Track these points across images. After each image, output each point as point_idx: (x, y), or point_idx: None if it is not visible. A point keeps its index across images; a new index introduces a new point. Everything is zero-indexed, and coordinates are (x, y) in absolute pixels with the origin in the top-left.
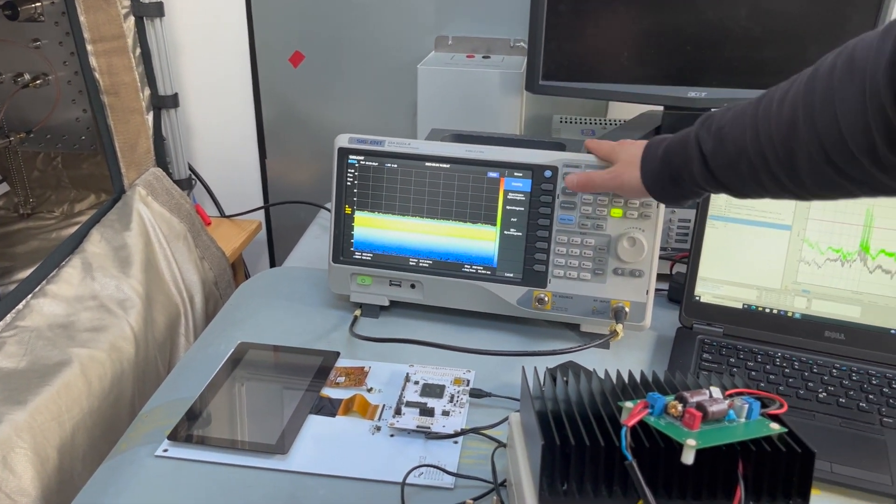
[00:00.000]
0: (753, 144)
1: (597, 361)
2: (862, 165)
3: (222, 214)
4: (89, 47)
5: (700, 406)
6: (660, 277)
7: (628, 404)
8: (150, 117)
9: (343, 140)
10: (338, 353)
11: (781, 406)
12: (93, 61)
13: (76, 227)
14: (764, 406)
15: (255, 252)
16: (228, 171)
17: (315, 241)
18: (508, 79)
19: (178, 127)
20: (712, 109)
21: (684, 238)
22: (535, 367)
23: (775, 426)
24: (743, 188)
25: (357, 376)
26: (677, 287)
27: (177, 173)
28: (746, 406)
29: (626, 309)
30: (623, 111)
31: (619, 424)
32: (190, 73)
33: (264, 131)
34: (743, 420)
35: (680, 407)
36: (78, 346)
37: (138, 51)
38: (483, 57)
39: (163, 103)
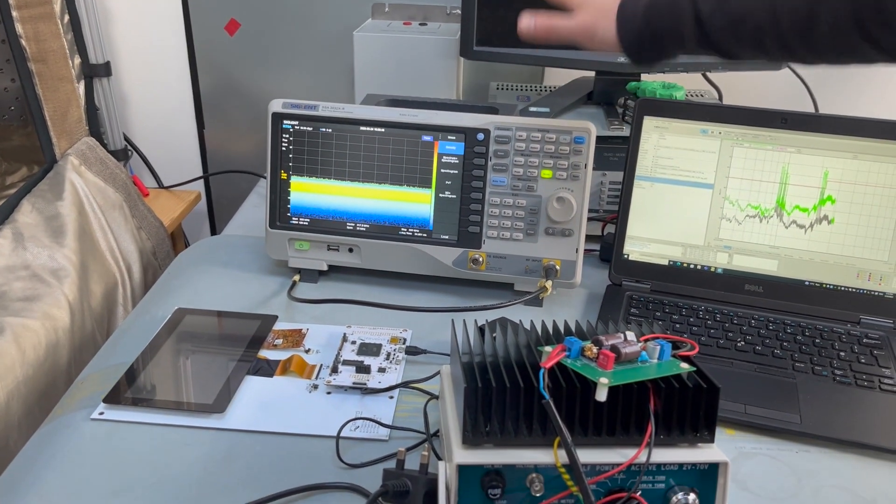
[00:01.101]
0: (765, 9)
1: (528, 317)
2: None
3: (160, 185)
4: (14, 13)
5: (614, 348)
6: (592, 238)
7: (547, 348)
8: (81, 86)
9: (277, 105)
10: (276, 317)
11: (693, 348)
12: (19, 28)
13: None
14: (676, 348)
15: (196, 222)
16: (166, 141)
17: (254, 210)
18: (444, 45)
19: (112, 96)
20: None
21: (615, 200)
22: (465, 321)
23: (685, 366)
24: (740, 52)
25: (295, 338)
26: (608, 247)
27: (112, 144)
28: (658, 348)
29: (557, 267)
30: (558, 77)
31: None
32: (123, 41)
33: (201, 101)
34: (655, 361)
35: (595, 349)
36: (10, 315)
37: (66, 18)
38: (420, 24)
39: (94, 72)
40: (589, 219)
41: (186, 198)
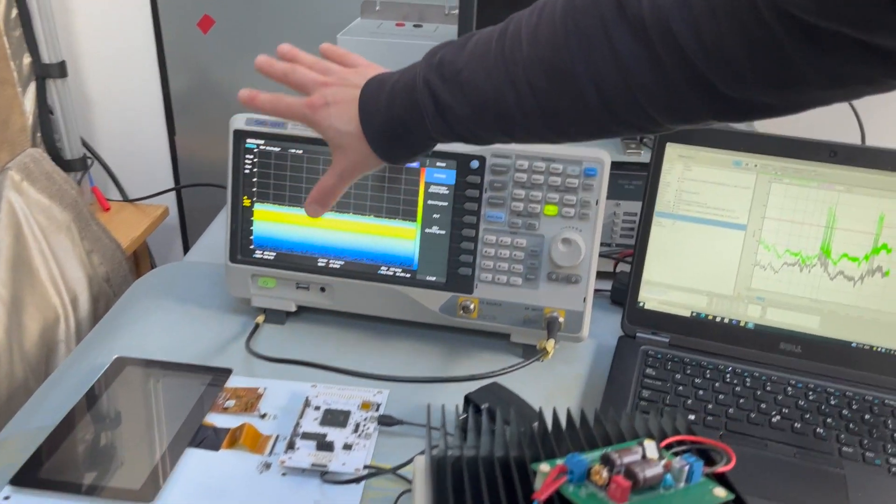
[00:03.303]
0: (504, 94)
1: (528, 377)
2: (645, 111)
3: (125, 198)
4: None
5: (630, 472)
6: (602, 276)
7: (544, 467)
8: (30, 89)
9: (239, 121)
10: (229, 371)
11: (729, 460)
12: None
13: None
14: (708, 460)
15: (166, 240)
16: (132, 149)
17: (225, 230)
18: None
19: (70, 99)
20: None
21: (630, 233)
22: (444, 406)
23: (720, 492)
24: (487, 140)
25: (249, 399)
26: (621, 288)
27: (68, 152)
28: (686, 467)
29: (561, 319)
30: None
31: (532, 488)
32: (85, 38)
33: (172, 104)
34: (682, 485)
35: (605, 473)
36: None
37: (14, 12)
38: (414, 26)
39: (47, 72)
40: (599, 254)
41: (152, 213)
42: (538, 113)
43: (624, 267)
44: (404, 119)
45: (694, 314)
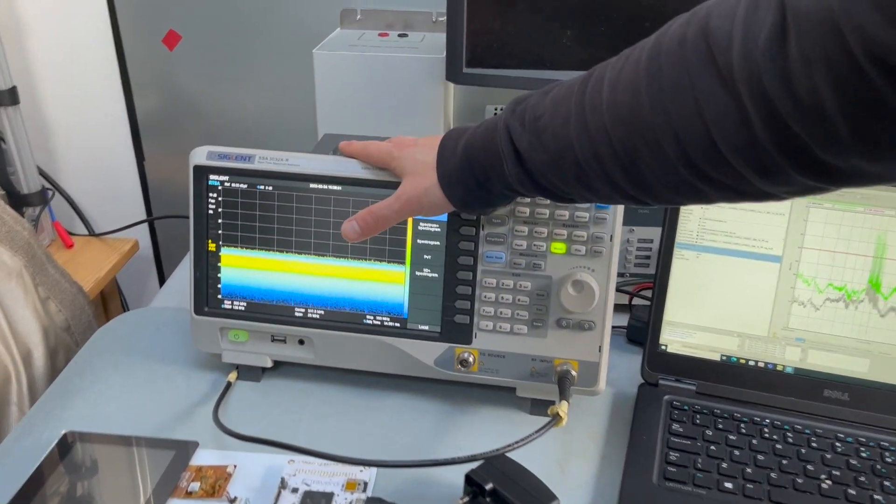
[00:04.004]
0: (581, 140)
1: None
2: (732, 169)
3: (91, 232)
4: None
5: None
6: (616, 309)
7: None
8: None
9: (200, 155)
10: (195, 444)
11: None
12: None
13: None
14: None
15: (139, 276)
16: (98, 178)
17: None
18: (430, 64)
19: (24, 128)
20: (523, 92)
21: (645, 262)
22: None
23: None
24: (569, 193)
25: (217, 480)
26: (638, 326)
27: (24, 185)
28: None
29: (574, 371)
30: None
31: None
32: (41, 60)
33: (139, 128)
34: None
35: None
36: None
37: None
38: (399, 35)
39: None
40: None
41: (121, 247)
42: (616, 164)
43: (641, 301)
44: (482, 164)
45: (724, 358)
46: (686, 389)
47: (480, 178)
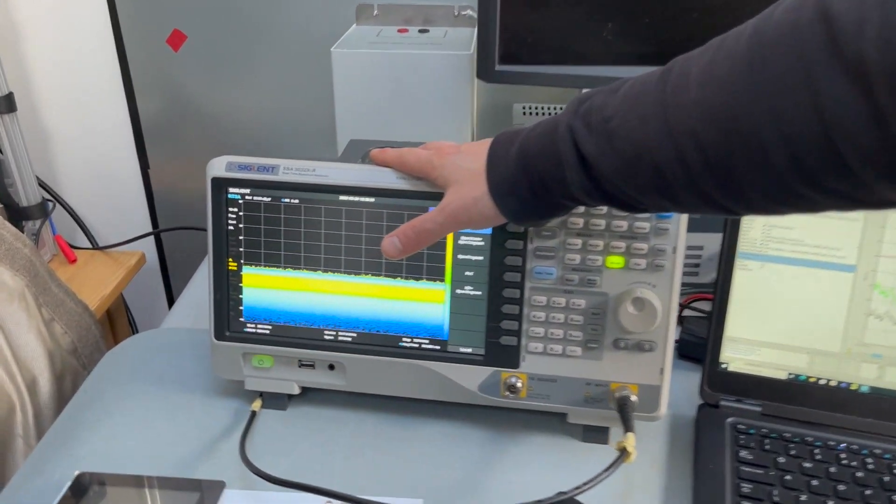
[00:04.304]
0: (663, 144)
1: (594, 463)
2: (854, 176)
3: (95, 246)
4: None
5: None
6: None
7: None
8: None
9: (218, 166)
10: (221, 485)
11: None
12: None
13: None
14: None
15: (147, 292)
16: (101, 188)
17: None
18: (457, 61)
19: (20, 136)
20: (584, 90)
21: (694, 270)
22: None
23: None
24: (641, 202)
25: None
26: (692, 340)
27: (23, 198)
28: None
29: (633, 396)
30: None
31: None
32: (39, 66)
33: (143, 134)
34: None
35: None
36: None
37: None
38: (420, 31)
39: None
40: None
41: (127, 261)
42: (706, 171)
43: (693, 312)
44: (540, 172)
45: (791, 377)
46: (750, 411)
47: (537, 187)
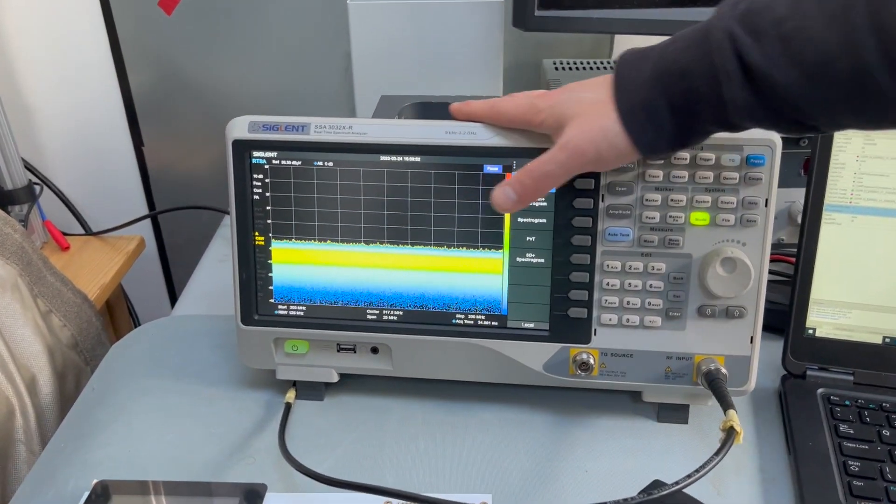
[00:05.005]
0: (863, 44)
1: (675, 457)
2: None
3: (88, 231)
4: None
5: None
6: None
7: None
8: None
9: (240, 127)
10: (263, 488)
11: None
12: None
13: None
14: None
15: (147, 280)
16: (92, 168)
17: (220, 267)
18: (486, 10)
19: (4, 115)
20: None
21: None
22: None
23: None
24: (819, 119)
25: None
26: (770, 308)
27: (7, 181)
28: None
29: (722, 369)
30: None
31: None
32: (19, 37)
33: (135, 108)
34: None
35: None
36: None
37: None
38: None
39: None
40: None
41: (125, 247)
42: None
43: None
44: (686, 91)
45: (887, 341)
46: (842, 380)
47: (680, 110)
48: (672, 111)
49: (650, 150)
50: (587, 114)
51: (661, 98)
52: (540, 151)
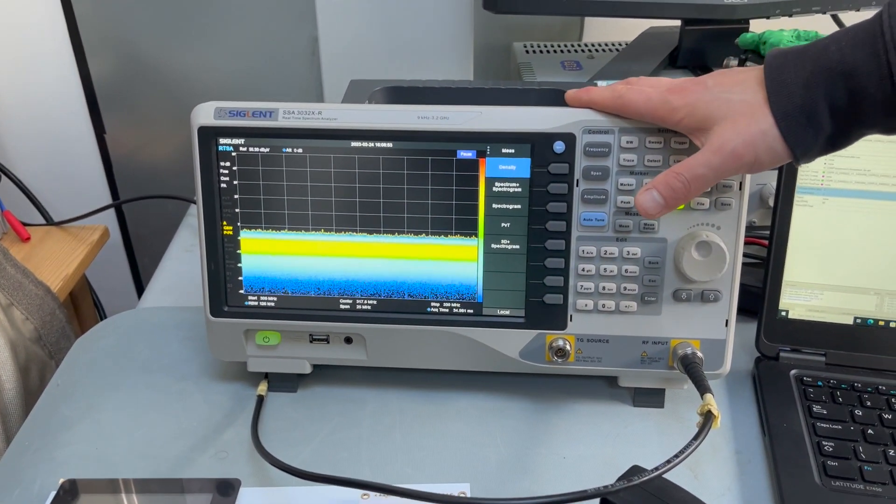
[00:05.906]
0: None
1: (651, 441)
2: None
3: (49, 221)
4: None
5: None
6: None
7: None
8: None
9: (206, 113)
10: (237, 483)
11: None
12: None
13: None
14: None
15: (111, 268)
16: (52, 157)
17: (187, 257)
18: None
19: None
20: None
21: None
22: None
23: None
24: None
25: None
26: (744, 291)
27: None
28: None
29: (698, 352)
30: (604, 31)
31: None
32: None
33: (95, 93)
34: None
35: None
36: None
37: None
38: None
39: None
40: None
41: (88, 237)
42: None
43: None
44: (850, 92)
45: (858, 321)
46: (814, 361)
47: (843, 113)
48: (832, 113)
49: (804, 154)
50: (739, 116)
51: (822, 100)
52: (514, 136)
